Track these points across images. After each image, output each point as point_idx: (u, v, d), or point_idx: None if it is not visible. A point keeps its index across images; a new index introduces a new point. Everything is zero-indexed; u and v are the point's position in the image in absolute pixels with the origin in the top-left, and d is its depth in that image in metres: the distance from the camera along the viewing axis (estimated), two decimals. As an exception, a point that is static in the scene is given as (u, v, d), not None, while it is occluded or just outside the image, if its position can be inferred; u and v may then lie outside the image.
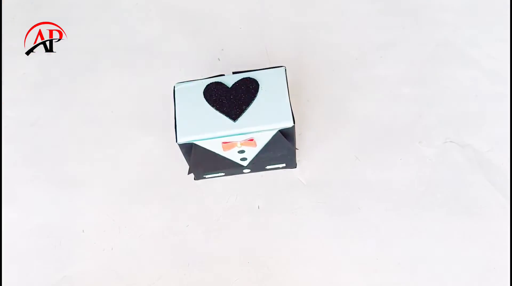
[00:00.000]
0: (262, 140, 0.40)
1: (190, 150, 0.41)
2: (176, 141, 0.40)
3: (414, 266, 0.45)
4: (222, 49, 0.54)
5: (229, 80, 0.41)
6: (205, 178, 0.47)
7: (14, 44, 0.57)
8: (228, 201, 0.48)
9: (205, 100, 0.40)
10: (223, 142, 0.40)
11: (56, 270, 0.46)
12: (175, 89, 0.41)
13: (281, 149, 0.42)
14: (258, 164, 0.44)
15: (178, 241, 0.47)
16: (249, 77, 0.41)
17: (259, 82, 0.41)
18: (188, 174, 0.44)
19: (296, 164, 0.47)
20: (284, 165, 0.46)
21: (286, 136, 0.40)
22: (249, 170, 0.45)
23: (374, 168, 0.48)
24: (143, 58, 0.56)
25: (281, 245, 0.47)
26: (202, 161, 0.43)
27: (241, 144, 0.40)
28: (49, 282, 0.45)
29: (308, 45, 0.54)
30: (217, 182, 0.49)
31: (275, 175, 0.48)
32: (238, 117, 0.39)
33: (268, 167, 0.45)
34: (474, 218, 0.45)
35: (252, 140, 0.40)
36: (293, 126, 0.40)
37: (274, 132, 0.40)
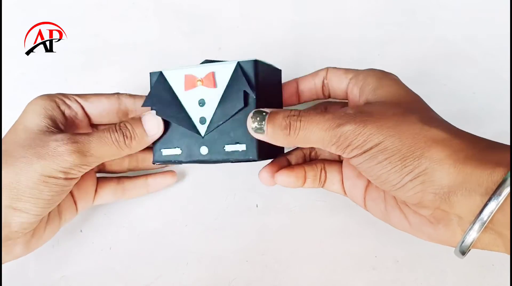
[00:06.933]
0: (222, 79, 0.40)
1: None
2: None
3: (413, 263, 0.45)
4: (220, 48, 0.54)
5: None
6: (162, 156, 0.42)
7: (14, 44, 0.57)
8: (226, 200, 0.49)
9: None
10: (185, 75, 0.41)
11: (54, 270, 0.46)
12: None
13: (239, 96, 0.39)
14: (217, 138, 0.40)
15: (176, 241, 0.47)
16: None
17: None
18: (142, 105, 0.43)
19: (256, 151, 0.40)
20: (244, 148, 0.40)
21: (248, 81, 0.39)
22: (207, 150, 0.41)
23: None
24: (142, 58, 0.56)
25: (279, 244, 0.47)
26: (160, 97, 0.42)
27: (202, 81, 0.41)
28: (47, 282, 0.46)
29: (306, 44, 0.54)
30: (215, 181, 0.49)
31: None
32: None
33: (227, 148, 0.40)
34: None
35: (212, 75, 0.40)
36: (256, 62, 0.39)
37: (234, 64, 0.39)
